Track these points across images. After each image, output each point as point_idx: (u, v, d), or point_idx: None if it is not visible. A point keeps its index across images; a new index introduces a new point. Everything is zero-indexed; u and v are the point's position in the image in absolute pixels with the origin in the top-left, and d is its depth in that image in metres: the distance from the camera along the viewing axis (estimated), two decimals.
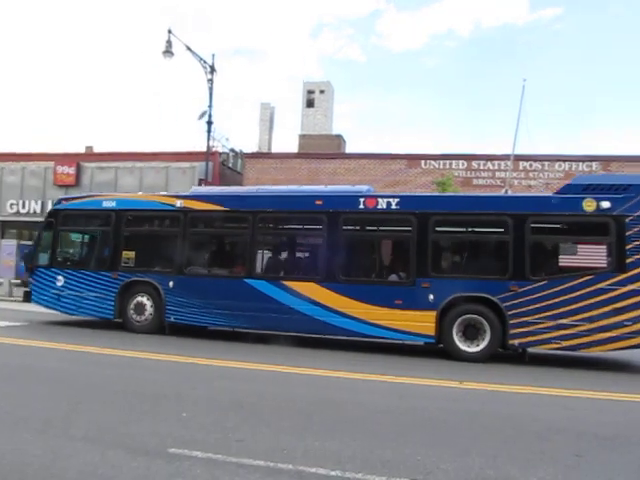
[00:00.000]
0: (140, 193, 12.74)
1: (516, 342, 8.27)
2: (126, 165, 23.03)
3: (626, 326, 7.85)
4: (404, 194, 9.84)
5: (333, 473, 3.25)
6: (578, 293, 8.00)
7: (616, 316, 7.88)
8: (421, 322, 8.55)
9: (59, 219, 10.94)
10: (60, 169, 23.60)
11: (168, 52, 17.52)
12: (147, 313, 10.03)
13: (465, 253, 9.36)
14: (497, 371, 7.74)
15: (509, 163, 17.94)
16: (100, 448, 3.42)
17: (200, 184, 20.10)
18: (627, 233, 8.00)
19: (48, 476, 2.96)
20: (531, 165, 20.41)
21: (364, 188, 9.82)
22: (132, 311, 10.10)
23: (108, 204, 10.65)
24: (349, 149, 31.25)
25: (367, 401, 5.42)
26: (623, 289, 7.89)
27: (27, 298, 11.03)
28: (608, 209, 8.11)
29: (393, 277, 9.10)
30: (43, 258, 10.87)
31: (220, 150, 23.25)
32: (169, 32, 17.49)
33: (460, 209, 8.95)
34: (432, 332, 8.53)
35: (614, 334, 7.90)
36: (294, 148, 29.54)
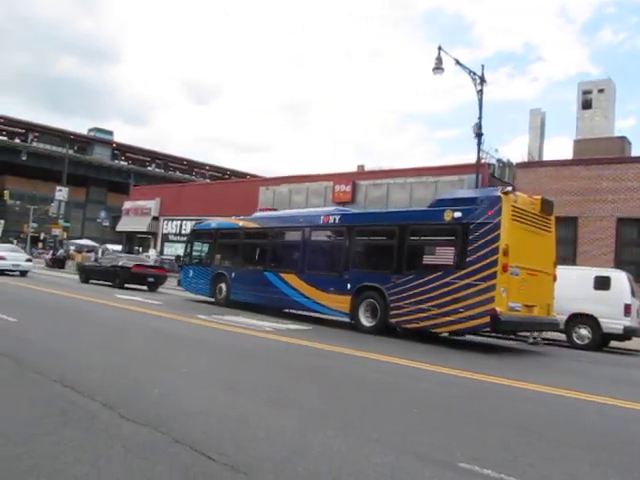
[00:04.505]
0: (234, 218, 18.75)
1: (393, 321, 10.87)
2: (397, 181, 24.31)
3: (460, 312, 9.72)
4: (343, 212, 13.06)
5: None
6: (432, 285, 10.20)
7: (454, 304, 9.82)
8: (343, 303, 11.88)
9: (192, 235, 17.94)
10: (338, 187, 26.04)
11: (438, 69, 17.70)
12: (222, 294, 15.78)
13: (371, 253, 12.11)
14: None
15: None
16: (393, 452, 3.51)
17: None
18: (469, 237, 9.85)
19: (354, 472, 3.09)
20: None
21: (331, 209, 13.56)
22: (217, 292, 16.03)
23: (211, 225, 17.03)
24: (636, 152, 28.97)
25: None
26: (461, 282, 9.79)
27: (179, 284, 18.29)
28: (459, 218, 10.09)
29: (333, 271, 12.59)
30: (185, 259, 17.88)
31: (488, 161, 22.67)
32: (439, 49, 17.70)
33: (369, 222, 11.98)
34: (348, 311, 11.76)
35: (452, 318, 9.85)
36: (567, 155, 27.25)
